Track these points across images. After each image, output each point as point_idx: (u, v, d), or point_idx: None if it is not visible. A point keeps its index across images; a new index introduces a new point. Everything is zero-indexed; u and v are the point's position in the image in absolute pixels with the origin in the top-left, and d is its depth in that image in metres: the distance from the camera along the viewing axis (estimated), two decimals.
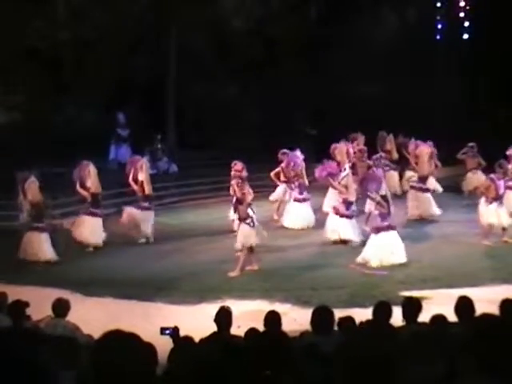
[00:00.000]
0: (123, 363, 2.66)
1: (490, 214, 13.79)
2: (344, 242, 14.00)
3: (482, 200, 14.02)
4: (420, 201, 16.01)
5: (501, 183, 14.03)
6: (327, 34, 24.02)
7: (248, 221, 12.49)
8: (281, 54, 24.35)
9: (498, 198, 13.90)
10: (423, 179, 16.13)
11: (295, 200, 15.87)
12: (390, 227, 12.60)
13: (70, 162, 15.81)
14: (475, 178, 17.35)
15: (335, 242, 14.01)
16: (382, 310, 6.36)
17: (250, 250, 12.59)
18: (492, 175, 14.17)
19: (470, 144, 17.70)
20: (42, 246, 13.70)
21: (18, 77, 20.60)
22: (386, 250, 12.41)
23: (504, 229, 13.87)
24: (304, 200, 15.89)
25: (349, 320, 6.48)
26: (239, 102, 23.76)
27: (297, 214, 15.83)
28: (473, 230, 14.22)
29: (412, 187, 16.28)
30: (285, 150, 16.39)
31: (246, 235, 12.45)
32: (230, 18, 24.04)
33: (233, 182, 13.21)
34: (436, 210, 16.06)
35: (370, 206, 14.07)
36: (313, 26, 24.91)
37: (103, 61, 21.74)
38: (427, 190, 16.11)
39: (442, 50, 25.04)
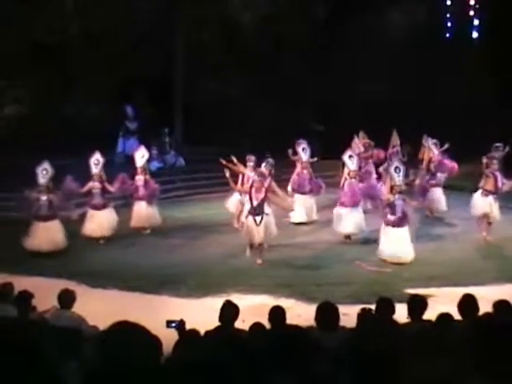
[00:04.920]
0: (129, 354, 2.67)
1: (484, 205, 13.83)
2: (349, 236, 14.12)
3: (479, 192, 14.06)
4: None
5: (499, 176, 14.03)
6: (335, 32, 23.97)
7: (258, 217, 12.50)
8: (288, 51, 24.31)
9: (496, 192, 13.92)
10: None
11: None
12: (400, 222, 12.58)
13: (78, 154, 15.87)
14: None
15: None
16: (384, 307, 6.36)
17: (251, 245, 12.67)
18: (490, 169, 14.16)
19: (497, 144, 17.65)
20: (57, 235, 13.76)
21: (25, 70, 20.63)
22: (394, 244, 12.41)
23: (490, 223, 13.87)
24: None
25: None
26: (246, 98, 23.74)
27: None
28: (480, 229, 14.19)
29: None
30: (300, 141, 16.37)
31: (249, 230, 12.52)
32: (237, 14, 24.04)
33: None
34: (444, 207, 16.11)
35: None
36: (320, 23, 24.86)
37: (111, 55, 21.75)
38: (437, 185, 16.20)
39: (452, 48, 24.95)
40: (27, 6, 19.81)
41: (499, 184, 13.96)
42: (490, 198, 13.91)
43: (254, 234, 12.50)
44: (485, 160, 14.42)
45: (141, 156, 15.67)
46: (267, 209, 12.93)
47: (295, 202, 15.63)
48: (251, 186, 12.70)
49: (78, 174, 14.94)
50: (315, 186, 15.88)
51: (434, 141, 16.63)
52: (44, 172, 13.81)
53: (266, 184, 12.72)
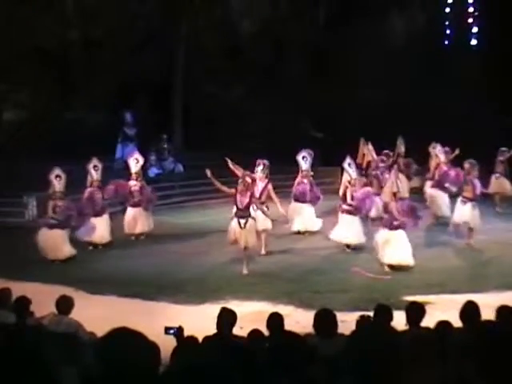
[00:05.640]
0: (127, 360, 2.67)
1: (462, 213, 13.94)
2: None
3: (459, 199, 14.11)
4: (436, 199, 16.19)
5: (477, 184, 14.13)
6: (335, 37, 24.02)
7: (242, 220, 12.41)
8: (288, 56, 24.35)
9: (474, 199, 14.01)
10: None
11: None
12: (398, 226, 12.55)
13: (77, 160, 15.86)
14: (497, 183, 17.41)
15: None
16: (383, 314, 6.36)
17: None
18: (470, 176, 14.22)
19: (503, 149, 17.66)
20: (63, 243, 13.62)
21: (26, 75, 20.65)
22: (393, 248, 12.38)
23: (471, 229, 13.95)
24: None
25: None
26: (246, 104, 23.77)
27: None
28: (480, 237, 14.20)
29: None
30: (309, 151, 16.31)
31: (233, 233, 12.47)
32: (238, 19, 24.11)
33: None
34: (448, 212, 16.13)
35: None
36: (321, 28, 24.93)
37: (111, 60, 21.78)
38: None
39: (451, 55, 25.03)
40: (28, 10, 19.85)
41: (477, 191, 14.09)
42: (469, 205, 14.02)
43: (239, 237, 12.40)
44: (467, 165, 14.50)
45: (135, 162, 15.63)
46: (265, 209, 12.88)
47: (295, 211, 15.49)
48: (236, 190, 12.59)
49: (76, 179, 14.94)
50: (314, 196, 15.66)
51: (446, 148, 16.57)
52: (58, 179, 13.71)
53: (252, 189, 12.71)
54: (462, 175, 16.11)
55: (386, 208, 12.90)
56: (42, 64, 20.72)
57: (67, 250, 13.53)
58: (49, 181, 13.72)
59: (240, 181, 12.66)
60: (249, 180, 12.92)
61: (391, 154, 17.20)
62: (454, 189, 16.21)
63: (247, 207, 12.54)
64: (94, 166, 14.65)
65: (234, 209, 12.71)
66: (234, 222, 12.53)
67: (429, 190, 16.64)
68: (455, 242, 14.44)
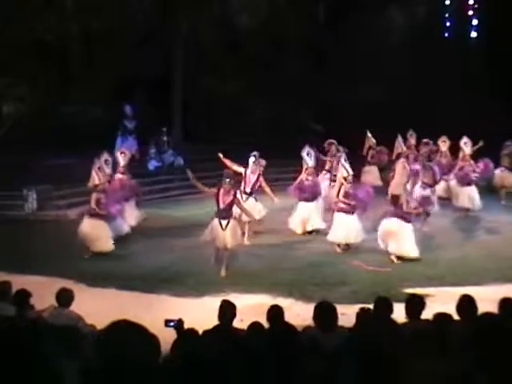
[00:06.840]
0: (128, 353, 2.67)
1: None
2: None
3: (418, 185, 14.18)
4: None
5: (437, 170, 14.52)
6: (334, 32, 23.99)
7: (224, 221, 12.05)
8: (288, 50, 24.33)
9: (434, 185, 14.41)
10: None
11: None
12: (406, 218, 12.50)
13: (76, 153, 15.87)
14: (501, 176, 17.40)
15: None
16: (383, 306, 6.36)
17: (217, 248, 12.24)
18: (430, 163, 14.58)
19: (507, 142, 17.65)
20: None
21: (25, 69, 20.62)
22: (402, 239, 12.41)
23: (428, 214, 14.07)
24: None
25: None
26: (246, 97, 23.75)
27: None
28: (482, 229, 14.24)
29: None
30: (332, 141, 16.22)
31: (213, 234, 12.16)
32: (237, 13, 24.09)
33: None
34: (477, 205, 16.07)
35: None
36: (320, 23, 24.91)
37: (111, 54, 21.76)
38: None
39: (450, 47, 25.00)
40: (27, 4, 19.81)
41: (437, 177, 14.33)
42: (428, 191, 14.17)
43: (219, 238, 12.02)
44: (424, 149, 14.57)
45: (122, 155, 15.47)
46: (247, 210, 12.79)
47: (298, 210, 14.92)
48: (219, 189, 12.12)
49: (77, 172, 14.95)
50: (318, 193, 15.07)
51: (466, 140, 16.42)
52: (100, 171, 13.65)
53: (235, 188, 12.55)
54: (492, 166, 16.22)
55: (394, 200, 12.75)
56: (42, 58, 20.68)
57: (110, 244, 13.48)
58: (91, 173, 13.56)
59: (228, 180, 12.17)
60: (240, 170, 12.91)
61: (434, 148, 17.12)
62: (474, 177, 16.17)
63: (230, 206, 12.11)
64: (106, 161, 14.53)
65: (215, 208, 12.21)
66: (215, 222, 12.10)
67: (453, 182, 16.25)
68: (453, 235, 14.46)
